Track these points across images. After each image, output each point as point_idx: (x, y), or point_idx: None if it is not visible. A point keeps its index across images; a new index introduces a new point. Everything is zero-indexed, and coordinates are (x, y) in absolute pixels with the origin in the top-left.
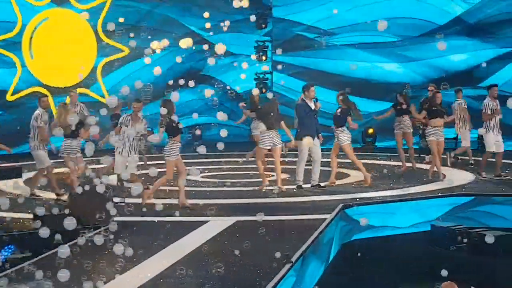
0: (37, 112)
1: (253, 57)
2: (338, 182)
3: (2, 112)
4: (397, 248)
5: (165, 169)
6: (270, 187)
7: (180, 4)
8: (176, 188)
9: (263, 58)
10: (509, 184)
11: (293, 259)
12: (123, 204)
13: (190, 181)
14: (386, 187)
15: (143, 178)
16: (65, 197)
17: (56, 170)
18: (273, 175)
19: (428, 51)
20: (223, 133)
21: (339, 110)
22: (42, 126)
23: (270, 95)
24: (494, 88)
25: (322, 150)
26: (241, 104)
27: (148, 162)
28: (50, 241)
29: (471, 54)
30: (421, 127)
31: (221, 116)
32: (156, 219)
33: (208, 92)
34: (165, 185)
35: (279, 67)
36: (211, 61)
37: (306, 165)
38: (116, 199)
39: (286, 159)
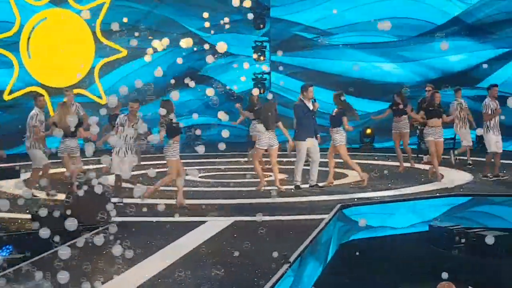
0: (33, 111)
1: (255, 56)
2: (336, 182)
3: (0, 112)
4: (395, 248)
5: (164, 170)
6: (268, 187)
7: (178, 5)
8: (174, 189)
9: (261, 58)
10: (507, 184)
11: (291, 259)
12: (122, 204)
13: (188, 181)
14: (384, 187)
15: (140, 178)
16: (56, 198)
17: (55, 171)
18: (270, 175)
19: (426, 51)
20: (225, 133)
21: (335, 111)
22: (37, 125)
23: (270, 96)
24: (494, 88)
25: (320, 150)
26: (238, 104)
27: (142, 162)
28: (48, 242)
29: (469, 55)
30: (419, 127)
31: (222, 116)
32: (154, 219)
33: (210, 92)
34: (167, 186)
35: (281, 68)
36: (209, 59)
37: (304, 165)
38: (114, 200)
39: (285, 159)
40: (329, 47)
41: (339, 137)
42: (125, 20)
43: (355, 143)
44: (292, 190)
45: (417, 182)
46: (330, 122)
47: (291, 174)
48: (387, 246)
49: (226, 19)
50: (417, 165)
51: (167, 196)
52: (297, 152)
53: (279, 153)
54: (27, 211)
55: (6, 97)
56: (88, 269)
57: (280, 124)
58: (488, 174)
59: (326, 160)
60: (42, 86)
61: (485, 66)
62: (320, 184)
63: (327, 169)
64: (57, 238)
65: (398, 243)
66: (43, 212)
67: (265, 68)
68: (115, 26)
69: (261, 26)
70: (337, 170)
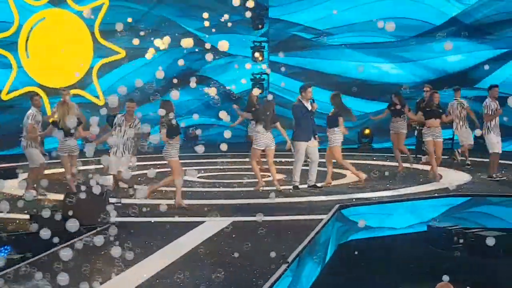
0: (30, 111)
1: (257, 55)
2: (334, 182)
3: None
4: (394, 248)
5: (163, 170)
6: (267, 188)
7: (176, 5)
8: (173, 189)
9: (260, 58)
10: (506, 184)
11: (290, 259)
12: (120, 204)
13: (187, 181)
14: (383, 187)
15: (139, 179)
16: (47, 198)
17: (53, 171)
18: (268, 176)
19: (424, 51)
20: (227, 134)
21: (332, 111)
22: (32, 123)
23: (270, 97)
24: (494, 88)
25: (318, 150)
26: (235, 106)
27: (142, 163)
28: (46, 242)
29: (467, 55)
30: (417, 127)
31: (224, 116)
32: (152, 219)
33: (213, 91)
34: (166, 186)
35: (283, 69)
36: (209, 57)
37: (302, 165)
38: (112, 200)
39: (283, 160)
40: (328, 47)
41: (334, 138)
42: (129, 20)
43: (354, 144)
44: (291, 191)
45: (416, 183)
46: (327, 123)
47: (289, 174)
48: (385, 247)
49: (226, 16)
50: (415, 166)
51: (166, 196)
52: (295, 153)
53: (279, 153)
54: (25, 212)
55: (4, 96)
56: (86, 269)
57: (278, 124)
58: (493, 175)
59: (325, 160)
60: (41, 86)
61: (486, 67)
62: (319, 185)
63: (325, 169)
64: (56, 238)
65: (396, 244)
66: (46, 213)
67: (265, 67)
68: (119, 26)
69: (260, 26)
70: (336, 170)
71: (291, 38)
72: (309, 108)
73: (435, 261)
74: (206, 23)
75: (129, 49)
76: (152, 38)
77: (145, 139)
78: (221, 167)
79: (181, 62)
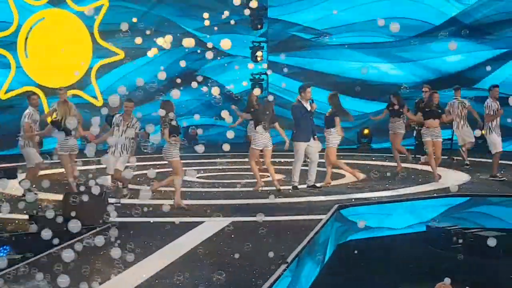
0: (27, 110)
1: (259, 54)
2: (333, 182)
3: None
4: (393, 248)
5: (162, 170)
6: (266, 188)
7: (176, 5)
8: (172, 189)
9: (259, 58)
10: (505, 184)
11: (289, 259)
12: (119, 204)
13: (186, 181)
14: (382, 187)
15: (138, 179)
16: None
17: (53, 171)
18: (267, 176)
19: (423, 51)
20: (230, 134)
21: (329, 111)
22: (29, 122)
23: (270, 98)
24: (495, 89)
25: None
26: (233, 106)
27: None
28: (45, 242)
29: (467, 55)
30: (416, 128)
31: (226, 115)
32: (151, 219)
33: (216, 90)
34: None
35: (285, 69)
36: (209, 55)
37: (302, 165)
38: (111, 200)
39: (282, 160)
40: (327, 47)
41: (331, 138)
42: (134, 20)
43: (353, 144)
44: (290, 191)
45: (415, 183)
46: (324, 123)
47: (288, 174)
48: (384, 247)
49: (226, 13)
50: (414, 166)
51: (165, 196)
52: (295, 153)
53: (279, 153)
54: (25, 212)
55: (2, 96)
56: (85, 269)
57: (276, 124)
58: (498, 174)
59: (323, 160)
60: (39, 86)
61: (488, 68)
62: (318, 185)
63: (325, 169)
64: (55, 239)
65: (395, 244)
66: (45, 214)
67: (265, 66)
68: (124, 26)
69: (259, 26)
70: (335, 171)
71: (290, 38)
72: (309, 108)
73: (434, 261)
74: (206, 22)
75: (128, 49)
76: (155, 39)
77: (144, 139)
78: (220, 167)
79: (182, 63)
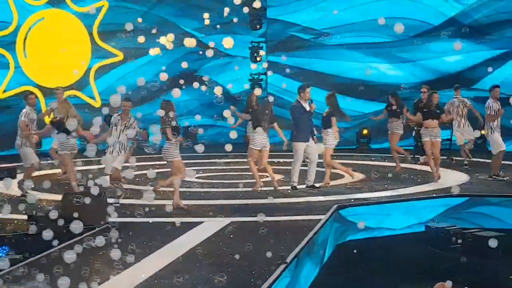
0: (24, 110)
1: (262, 53)
2: (332, 183)
3: None
4: (392, 248)
5: (162, 170)
6: (265, 188)
7: (175, 5)
8: (171, 189)
9: (258, 59)
10: (504, 184)
11: (288, 259)
12: (118, 204)
13: (185, 181)
14: (381, 188)
15: (137, 179)
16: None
17: (53, 171)
18: (266, 176)
19: (423, 52)
20: (233, 134)
21: (326, 111)
22: (25, 120)
23: (271, 99)
24: (496, 89)
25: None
26: (232, 107)
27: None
28: (44, 242)
29: (465, 56)
30: (415, 128)
31: (228, 115)
32: (150, 220)
33: (218, 90)
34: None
35: (288, 70)
36: (209, 53)
37: (301, 165)
38: (110, 200)
39: (281, 160)
40: (326, 47)
41: (328, 139)
42: (139, 20)
43: (352, 144)
44: (289, 191)
45: (414, 183)
46: (322, 123)
47: (287, 175)
48: (383, 247)
49: (227, 9)
50: (413, 166)
51: (164, 196)
52: (294, 153)
53: (278, 153)
54: (23, 212)
55: (0, 95)
56: (84, 269)
57: (275, 125)
58: (500, 172)
59: (322, 160)
60: (38, 86)
61: (489, 69)
62: (317, 185)
63: (324, 169)
64: (54, 239)
65: (394, 244)
66: (43, 214)
67: (265, 66)
68: (129, 26)
69: (258, 26)
70: (334, 171)
71: (290, 38)
72: (308, 108)
73: (433, 262)
74: (206, 22)
75: (127, 50)
76: (157, 40)
77: (144, 139)
78: (220, 167)
79: (184, 64)
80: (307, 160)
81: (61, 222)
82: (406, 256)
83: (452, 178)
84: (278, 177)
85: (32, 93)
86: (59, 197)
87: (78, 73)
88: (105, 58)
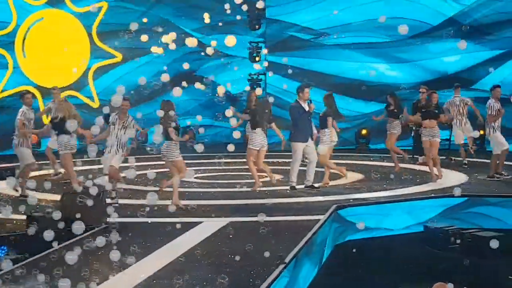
0: (21, 109)
1: (265, 51)
2: (331, 183)
3: None
4: (391, 249)
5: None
6: (264, 188)
7: (174, 6)
8: (170, 189)
9: (257, 59)
10: (503, 185)
11: (287, 260)
12: (117, 204)
13: (183, 182)
14: (379, 188)
15: (137, 179)
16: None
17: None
18: (265, 176)
19: (421, 52)
20: (236, 134)
21: (323, 112)
22: (21, 119)
23: (271, 100)
24: (497, 89)
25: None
26: (232, 108)
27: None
28: (43, 243)
29: (464, 56)
30: (414, 128)
31: (230, 113)
32: (149, 220)
33: (221, 90)
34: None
35: (290, 71)
36: (209, 50)
37: (301, 165)
38: (109, 200)
39: (280, 160)
40: (325, 47)
41: (325, 139)
42: (144, 20)
43: (351, 144)
44: (288, 191)
45: (413, 183)
46: (319, 123)
47: (286, 175)
48: (382, 247)
49: (227, 6)
50: (412, 166)
51: (163, 196)
52: (292, 153)
53: (276, 154)
54: (22, 212)
55: None
56: (83, 270)
57: (273, 124)
58: (503, 172)
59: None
60: (38, 87)
61: (491, 70)
62: (316, 185)
63: (322, 169)
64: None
65: (393, 244)
66: (42, 214)
67: (265, 65)
68: (133, 26)
69: (257, 27)
70: (333, 171)
71: (289, 38)
72: (306, 108)
73: (432, 262)
74: (206, 21)
75: (126, 50)
76: (157, 39)
77: (143, 137)
78: (219, 165)
79: (186, 65)
80: (307, 160)
81: (60, 222)
82: (405, 256)
83: (451, 178)
84: (277, 177)
85: (28, 92)
86: (57, 197)
87: (77, 71)
88: (104, 58)
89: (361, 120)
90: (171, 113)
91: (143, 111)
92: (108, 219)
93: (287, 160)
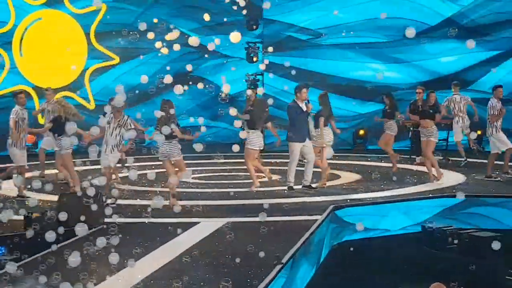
0: (14, 109)
1: (270, 49)
2: (329, 183)
3: None
4: (388, 249)
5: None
6: (261, 188)
7: (171, 6)
8: (168, 190)
9: (254, 59)
10: (501, 185)
11: (284, 260)
12: (115, 205)
13: (181, 182)
14: (377, 188)
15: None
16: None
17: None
18: (264, 177)
19: (419, 52)
20: (242, 134)
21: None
22: (13, 117)
23: (270, 101)
24: (499, 89)
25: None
26: (233, 109)
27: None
28: (41, 243)
29: (461, 56)
30: (411, 129)
31: (234, 112)
32: (147, 220)
33: (226, 88)
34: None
35: (293, 72)
36: (211, 46)
37: (298, 166)
38: (108, 200)
39: (278, 160)
40: (322, 47)
41: (319, 139)
42: (155, 20)
43: (348, 145)
44: (285, 191)
45: (410, 183)
46: (314, 123)
47: (284, 175)
48: (380, 247)
49: (227, 1)
50: (410, 166)
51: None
52: (290, 153)
53: (274, 154)
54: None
55: None
56: (81, 270)
57: (269, 124)
58: (510, 171)
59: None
60: (35, 87)
61: (494, 70)
62: (313, 185)
63: (320, 170)
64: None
65: (391, 244)
66: (40, 214)
67: (266, 63)
68: (142, 26)
69: (254, 27)
70: (330, 171)
71: (286, 39)
72: (304, 109)
73: (430, 262)
74: (206, 19)
75: (125, 50)
76: (157, 39)
77: (140, 135)
78: (218, 162)
79: (189, 67)
80: (304, 160)
81: (58, 223)
82: (402, 257)
83: (449, 178)
84: (275, 177)
85: (21, 92)
86: (56, 197)
87: (76, 68)
88: (101, 58)
89: (358, 121)
90: (172, 111)
91: (143, 110)
92: (105, 220)
93: (284, 161)
